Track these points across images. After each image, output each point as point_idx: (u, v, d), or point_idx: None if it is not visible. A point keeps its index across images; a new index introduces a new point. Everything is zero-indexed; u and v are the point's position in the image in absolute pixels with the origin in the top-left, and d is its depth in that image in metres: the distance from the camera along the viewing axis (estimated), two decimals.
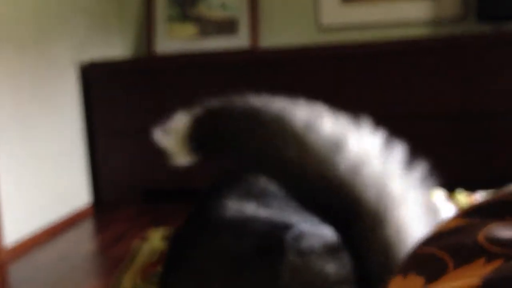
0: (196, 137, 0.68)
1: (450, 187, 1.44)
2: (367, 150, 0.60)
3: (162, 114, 3.62)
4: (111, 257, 2.35)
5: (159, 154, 3.41)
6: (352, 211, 0.57)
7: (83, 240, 2.72)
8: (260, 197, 0.90)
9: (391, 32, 3.15)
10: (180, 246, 0.87)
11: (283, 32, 3.33)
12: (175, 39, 3.43)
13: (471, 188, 1.42)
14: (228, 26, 3.38)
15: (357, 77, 2.85)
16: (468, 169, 2.78)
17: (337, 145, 0.61)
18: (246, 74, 3.00)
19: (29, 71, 2.64)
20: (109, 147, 3.14)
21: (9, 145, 2.46)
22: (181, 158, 0.72)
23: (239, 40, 3.33)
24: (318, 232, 0.75)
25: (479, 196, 1.28)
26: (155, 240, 1.09)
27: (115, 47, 3.53)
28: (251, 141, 0.63)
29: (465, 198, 1.27)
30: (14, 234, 2.47)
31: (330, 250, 0.70)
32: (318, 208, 0.62)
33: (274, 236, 0.77)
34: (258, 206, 0.89)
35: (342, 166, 0.59)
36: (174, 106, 3.69)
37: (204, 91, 3.02)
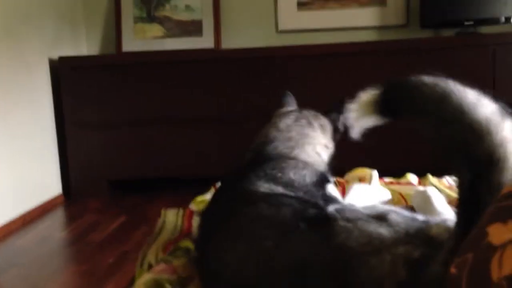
0: (383, 102, 0.74)
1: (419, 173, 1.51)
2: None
3: (128, 108, 3.56)
4: (88, 243, 2.28)
5: (126, 146, 3.33)
6: (489, 160, 0.61)
7: (58, 228, 2.63)
8: (286, 185, 0.92)
9: (341, 36, 3.23)
10: (218, 215, 0.87)
11: (243, 35, 3.35)
12: (141, 40, 3.36)
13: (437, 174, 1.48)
14: (193, 28, 3.35)
15: (308, 75, 2.89)
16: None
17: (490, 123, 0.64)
18: (209, 72, 2.99)
19: (0, 68, 2.52)
20: (78, 140, 3.04)
21: None
22: (364, 121, 0.77)
23: (204, 42, 3.31)
24: (355, 208, 0.78)
25: (446, 180, 1.36)
26: (173, 219, 1.09)
27: (82, 47, 3.43)
28: (431, 106, 0.69)
29: (436, 181, 1.34)
30: None
31: (375, 218, 0.72)
32: (462, 154, 0.65)
33: (312, 208, 0.80)
34: (286, 190, 0.91)
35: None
36: (140, 101, 3.64)
37: (169, 87, 3.00)
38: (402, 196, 1.22)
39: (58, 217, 2.81)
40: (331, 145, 1.10)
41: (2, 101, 2.53)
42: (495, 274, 0.38)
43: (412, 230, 0.69)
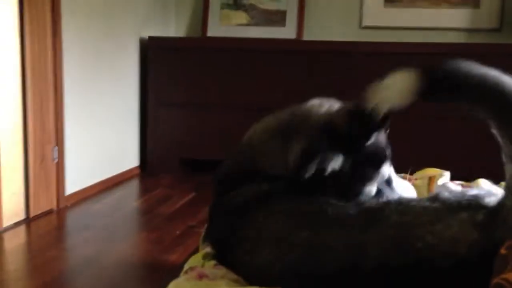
0: (427, 81, 0.77)
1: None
2: None
3: (207, 91, 3.67)
4: (158, 214, 2.41)
5: (202, 127, 3.43)
6: None
7: (132, 197, 2.80)
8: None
9: (428, 36, 3.15)
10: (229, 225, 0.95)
11: (325, 29, 3.35)
12: (226, 26, 3.46)
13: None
14: (277, 18, 3.41)
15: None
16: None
17: None
18: (289, 62, 3.03)
19: (95, 42, 2.71)
20: (158, 117, 3.20)
21: (73, 107, 2.53)
22: (398, 100, 0.79)
23: (286, 32, 3.36)
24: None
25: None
26: None
27: (171, 28, 3.59)
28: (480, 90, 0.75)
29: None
30: (73, 185, 2.55)
31: (426, 199, 0.78)
32: None
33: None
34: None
35: None
36: (219, 85, 3.73)
37: (248, 74, 3.07)
38: None
39: (133, 187, 2.99)
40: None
41: (94, 74, 2.72)
42: None
43: (464, 202, 0.73)
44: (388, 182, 0.95)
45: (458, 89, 0.75)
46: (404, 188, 0.96)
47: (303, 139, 0.89)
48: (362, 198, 0.89)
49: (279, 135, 0.96)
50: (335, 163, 0.86)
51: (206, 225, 1.25)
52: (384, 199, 0.87)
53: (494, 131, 0.74)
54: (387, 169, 0.95)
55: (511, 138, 0.71)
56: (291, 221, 0.83)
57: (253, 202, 0.90)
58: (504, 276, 0.42)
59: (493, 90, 0.73)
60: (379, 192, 0.91)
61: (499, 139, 0.74)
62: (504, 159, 0.73)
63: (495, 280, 0.44)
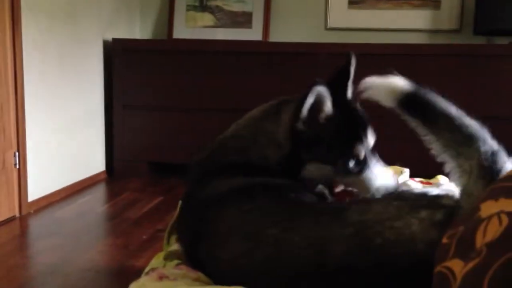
0: (406, 99, 0.83)
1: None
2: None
3: (174, 93, 3.65)
4: (125, 219, 2.39)
5: (168, 130, 3.42)
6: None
7: (98, 203, 2.76)
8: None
9: (391, 37, 3.22)
10: (196, 222, 0.94)
11: (291, 30, 3.39)
12: (192, 28, 3.46)
13: None
14: (243, 20, 3.42)
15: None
16: None
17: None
18: (255, 63, 3.05)
19: (57, 43, 2.66)
20: (124, 120, 3.17)
21: (36, 111, 2.49)
22: (384, 99, 0.85)
23: (253, 34, 3.38)
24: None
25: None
26: None
27: (136, 30, 3.56)
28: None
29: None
30: (36, 191, 2.50)
31: (388, 197, 0.81)
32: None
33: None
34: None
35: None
36: (186, 87, 3.72)
37: (215, 75, 3.08)
38: None
39: (99, 192, 2.95)
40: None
41: (56, 77, 2.67)
42: (479, 242, 0.42)
43: (425, 201, 0.76)
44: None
45: (430, 114, 0.81)
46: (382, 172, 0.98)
47: (293, 104, 0.98)
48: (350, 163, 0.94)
49: (269, 116, 1.03)
50: (328, 104, 0.95)
51: (173, 220, 1.24)
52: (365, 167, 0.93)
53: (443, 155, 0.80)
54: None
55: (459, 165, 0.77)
56: (261, 217, 0.85)
57: (227, 196, 0.91)
58: (445, 264, 0.44)
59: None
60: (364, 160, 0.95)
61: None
62: (453, 169, 0.77)
63: (437, 269, 0.46)
